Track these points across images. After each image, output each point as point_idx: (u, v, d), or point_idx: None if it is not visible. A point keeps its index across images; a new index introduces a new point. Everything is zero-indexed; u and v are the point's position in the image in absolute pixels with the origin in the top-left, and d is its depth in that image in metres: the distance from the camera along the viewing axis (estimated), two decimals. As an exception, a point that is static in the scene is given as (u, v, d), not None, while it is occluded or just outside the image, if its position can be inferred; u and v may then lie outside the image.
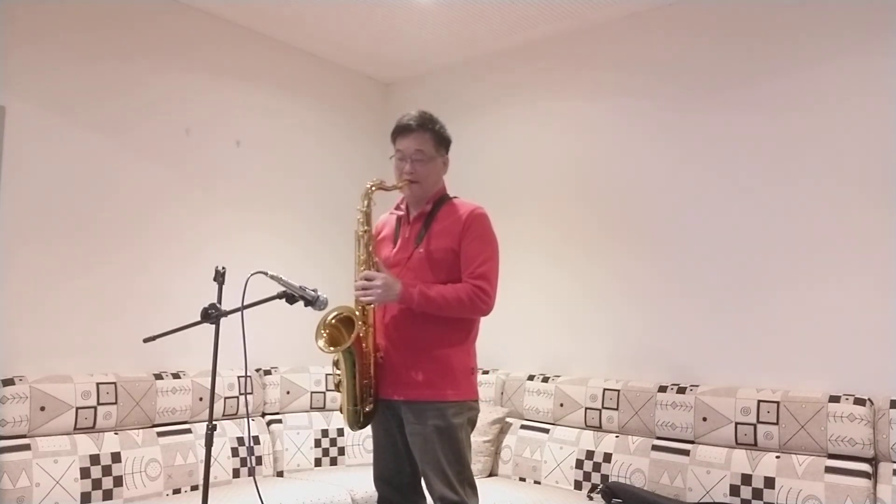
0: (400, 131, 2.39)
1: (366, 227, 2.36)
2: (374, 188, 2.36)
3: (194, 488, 3.09)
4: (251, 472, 3.31)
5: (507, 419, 3.55)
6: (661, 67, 3.48)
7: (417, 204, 2.42)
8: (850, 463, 2.64)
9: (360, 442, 3.65)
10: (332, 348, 2.27)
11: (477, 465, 3.30)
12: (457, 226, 2.33)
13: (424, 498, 2.40)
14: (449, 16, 3.68)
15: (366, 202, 2.36)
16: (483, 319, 2.41)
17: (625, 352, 3.49)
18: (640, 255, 3.48)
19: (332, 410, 3.70)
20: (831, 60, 3.00)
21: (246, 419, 3.42)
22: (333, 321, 2.33)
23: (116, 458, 2.90)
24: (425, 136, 2.37)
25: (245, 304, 2.15)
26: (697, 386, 3.08)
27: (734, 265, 3.19)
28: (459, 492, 2.22)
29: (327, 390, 3.73)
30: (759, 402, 2.86)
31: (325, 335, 2.31)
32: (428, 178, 2.38)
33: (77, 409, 2.86)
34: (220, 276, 2.17)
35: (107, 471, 2.85)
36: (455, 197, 2.46)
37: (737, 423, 2.89)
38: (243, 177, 3.80)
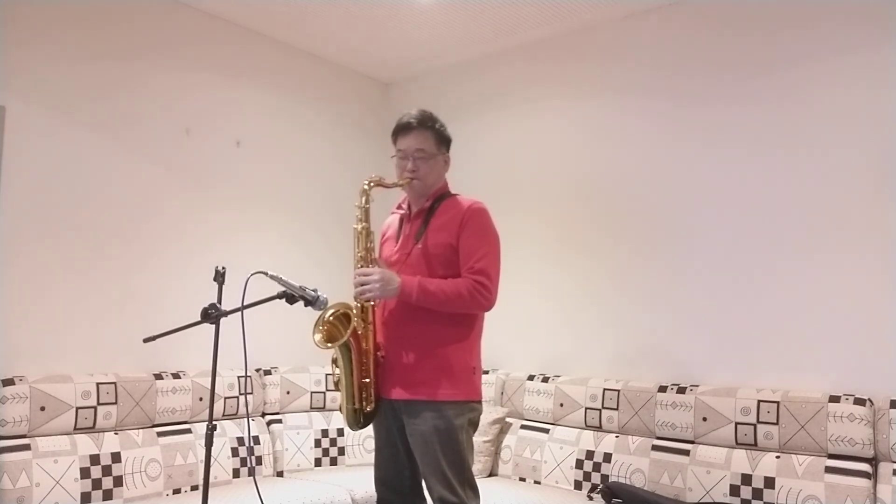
0: (401, 130, 2.39)
1: (364, 224, 2.35)
2: (371, 184, 2.36)
3: (194, 488, 3.09)
4: (251, 472, 3.31)
5: (507, 419, 3.55)
6: (661, 66, 3.48)
7: (418, 201, 2.42)
8: (850, 463, 2.64)
9: (360, 442, 3.65)
10: (328, 344, 2.26)
11: (477, 465, 3.30)
12: (455, 221, 2.32)
13: (425, 501, 2.37)
14: (449, 16, 3.68)
15: (363, 199, 2.36)
16: (485, 319, 2.40)
17: (625, 352, 3.48)
18: (640, 254, 3.48)
19: (332, 410, 3.70)
20: (834, 56, 3.00)
21: (246, 419, 3.42)
22: (332, 318, 2.32)
23: (116, 458, 2.89)
24: (426, 135, 2.37)
25: (245, 304, 2.15)
26: (697, 386, 3.08)
27: (735, 265, 3.19)
28: (460, 493, 2.21)
29: (327, 390, 3.72)
30: (759, 402, 2.86)
31: (322, 331, 2.30)
32: (428, 175, 2.37)
33: (77, 409, 2.86)
34: (220, 276, 2.17)
35: (107, 471, 2.85)
36: (456, 194, 2.45)
37: (737, 423, 2.89)
38: (243, 177, 3.80)
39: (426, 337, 2.27)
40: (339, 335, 2.26)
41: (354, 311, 2.29)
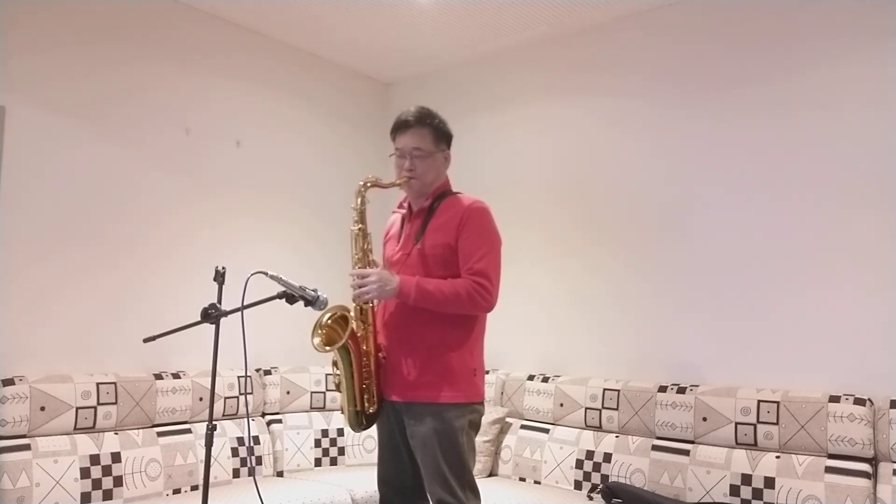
0: (398, 128, 2.37)
1: (360, 225, 2.34)
2: (368, 185, 2.34)
3: (194, 488, 3.09)
4: (251, 472, 3.31)
5: (507, 419, 3.55)
6: (661, 69, 3.48)
7: (417, 200, 2.41)
8: (850, 463, 2.64)
9: (361, 442, 3.65)
10: (326, 347, 2.25)
11: (477, 465, 3.29)
12: (454, 221, 2.30)
13: (428, 501, 2.35)
14: (449, 16, 3.68)
15: (359, 200, 2.34)
16: (486, 320, 2.39)
17: (625, 352, 3.48)
18: (641, 255, 3.48)
19: (333, 410, 3.70)
20: (830, 64, 3.00)
21: (246, 419, 3.42)
22: (330, 321, 2.31)
23: (116, 458, 2.90)
24: (423, 132, 2.35)
25: (245, 304, 2.15)
26: (697, 386, 3.08)
27: (734, 266, 3.19)
28: (459, 495, 2.20)
29: (327, 390, 3.72)
30: (759, 402, 2.86)
31: (321, 334, 2.29)
32: (426, 174, 2.35)
33: (77, 409, 2.86)
34: (220, 276, 2.17)
35: (107, 471, 2.85)
36: (458, 192, 2.43)
37: (737, 423, 2.89)
38: (243, 177, 3.80)
39: (426, 338, 2.26)
40: (338, 338, 2.25)
41: (352, 314, 2.29)
